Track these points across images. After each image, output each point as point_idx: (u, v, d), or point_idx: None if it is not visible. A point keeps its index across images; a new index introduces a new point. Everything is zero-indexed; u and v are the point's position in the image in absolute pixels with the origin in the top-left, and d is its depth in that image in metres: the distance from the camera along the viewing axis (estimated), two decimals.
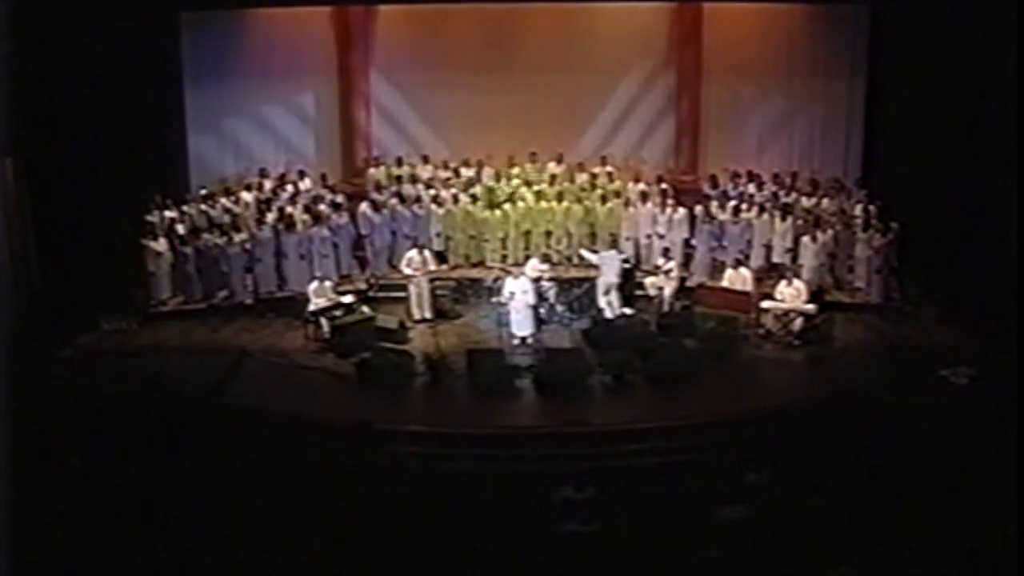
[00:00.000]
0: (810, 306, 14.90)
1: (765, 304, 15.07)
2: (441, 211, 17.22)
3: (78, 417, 12.22)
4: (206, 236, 16.00)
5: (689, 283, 16.29)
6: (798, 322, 14.83)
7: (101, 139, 15.15)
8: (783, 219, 16.48)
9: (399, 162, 18.44)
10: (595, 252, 16.02)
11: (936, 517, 10.16)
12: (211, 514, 10.43)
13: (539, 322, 15.01)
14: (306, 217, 16.58)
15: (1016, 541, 8.90)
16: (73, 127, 14.80)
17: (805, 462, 11.36)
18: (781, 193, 17.35)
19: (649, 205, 17.09)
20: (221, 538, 10.06)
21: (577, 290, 15.90)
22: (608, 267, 15.51)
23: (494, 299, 15.42)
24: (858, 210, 16.60)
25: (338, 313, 15.01)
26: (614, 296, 15.43)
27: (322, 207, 16.87)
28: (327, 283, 15.35)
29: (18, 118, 13.22)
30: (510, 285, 14.71)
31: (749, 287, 15.18)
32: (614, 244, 16.36)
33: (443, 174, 18.18)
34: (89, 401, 12.75)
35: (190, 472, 11.20)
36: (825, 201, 17.06)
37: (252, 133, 18.25)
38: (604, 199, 17.29)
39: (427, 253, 15.96)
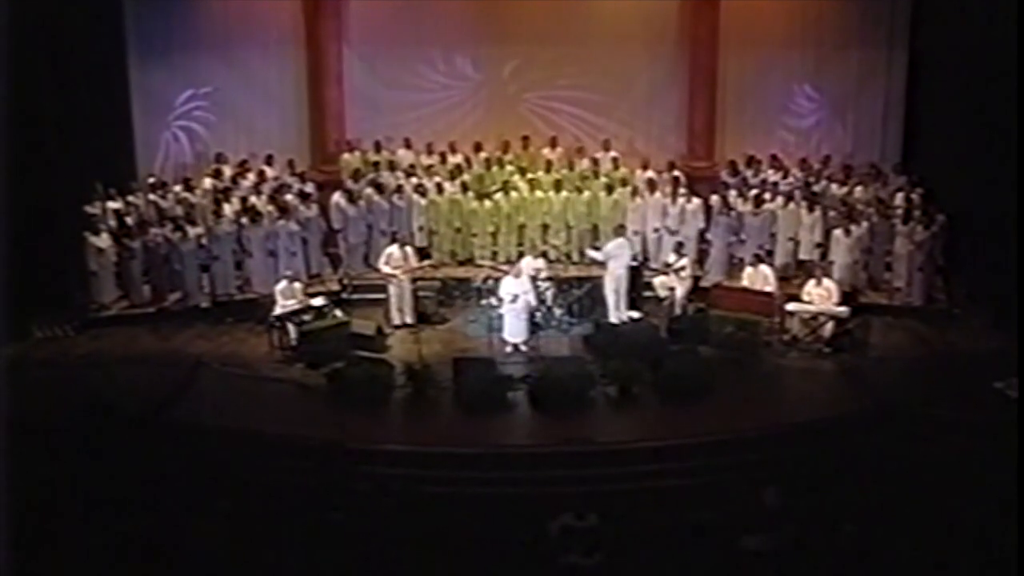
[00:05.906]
0: (842, 309, 14.92)
1: (791, 306, 15.09)
2: (424, 202, 17.23)
3: (5, 441, 12.12)
4: (155, 230, 15.98)
5: (704, 283, 16.31)
6: (828, 327, 14.85)
7: (34, 120, 15.06)
8: (811, 210, 16.53)
9: (376, 147, 18.44)
10: (598, 249, 15.99)
11: (988, 547, 10.13)
12: (164, 547, 10.36)
13: (535, 327, 15.01)
14: (271, 209, 16.61)
15: None
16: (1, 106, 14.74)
17: (836, 485, 11.34)
18: (810, 180, 17.38)
19: (658, 195, 17.14)
20: (176, 573, 9.98)
21: (577, 291, 15.89)
22: (617, 260, 15.46)
23: (484, 301, 15.41)
24: (897, 199, 16.68)
25: (307, 317, 15.01)
26: (624, 293, 15.40)
27: (289, 197, 16.90)
28: (295, 284, 15.33)
29: None
30: (509, 286, 14.70)
31: (772, 287, 15.19)
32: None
33: (426, 160, 18.20)
34: (18, 422, 12.62)
35: (138, 501, 11.12)
36: (859, 189, 17.12)
37: (208, 114, 18.23)
38: (609, 188, 17.30)
39: (408, 249, 15.95)
